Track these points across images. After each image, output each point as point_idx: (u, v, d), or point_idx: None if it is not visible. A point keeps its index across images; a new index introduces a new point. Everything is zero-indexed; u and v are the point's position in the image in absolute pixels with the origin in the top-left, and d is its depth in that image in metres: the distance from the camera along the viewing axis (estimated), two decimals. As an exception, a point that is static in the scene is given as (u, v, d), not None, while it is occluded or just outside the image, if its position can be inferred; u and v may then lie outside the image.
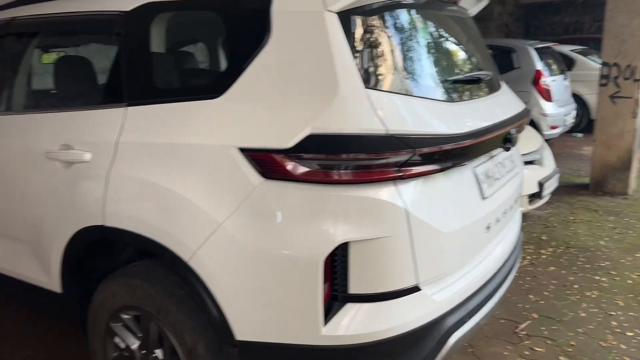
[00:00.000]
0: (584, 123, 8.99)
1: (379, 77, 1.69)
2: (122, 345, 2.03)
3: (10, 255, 2.39)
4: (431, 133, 1.67)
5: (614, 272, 3.65)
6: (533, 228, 4.54)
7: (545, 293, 3.35)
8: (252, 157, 1.62)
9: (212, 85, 1.98)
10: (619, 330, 2.91)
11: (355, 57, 1.63)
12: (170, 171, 1.77)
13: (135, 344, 2.00)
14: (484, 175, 1.99)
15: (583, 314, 3.09)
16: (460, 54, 2.20)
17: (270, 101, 1.66)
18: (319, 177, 1.57)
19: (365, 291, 1.62)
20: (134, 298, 1.90)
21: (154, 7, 1.96)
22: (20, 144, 2.26)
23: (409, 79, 1.80)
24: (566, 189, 5.66)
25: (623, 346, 2.76)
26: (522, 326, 2.95)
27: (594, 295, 3.32)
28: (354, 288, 1.62)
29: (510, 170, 2.28)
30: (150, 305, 1.85)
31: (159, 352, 1.92)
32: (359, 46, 1.67)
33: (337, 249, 1.58)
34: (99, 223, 1.92)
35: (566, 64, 8.46)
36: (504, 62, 7.10)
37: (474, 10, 2.49)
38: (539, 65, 7.23)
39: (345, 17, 1.65)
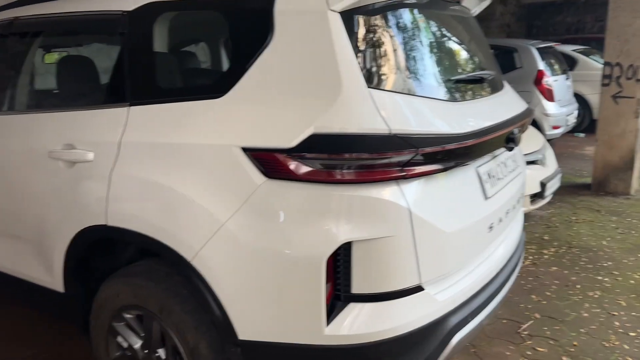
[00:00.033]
0: (586, 123, 8.98)
1: (382, 77, 1.69)
2: (125, 345, 2.03)
3: (13, 254, 2.40)
4: (434, 133, 1.67)
5: (616, 272, 3.65)
6: (535, 228, 4.53)
7: (548, 293, 3.35)
8: (254, 157, 1.62)
9: (215, 85, 1.98)
10: (621, 330, 2.91)
11: (358, 57, 1.63)
12: (173, 171, 1.77)
13: (137, 344, 2.00)
14: (487, 175, 1.99)
15: (585, 314, 3.08)
16: (463, 54, 2.19)
17: (273, 101, 1.66)
18: (322, 177, 1.57)
19: (368, 291, 1.62)
20: (137, 297, 1.91)
21: (157, 7, 1.96)
22: (23, 144, 2.26)
23: (412, 78, 1.80)
24: (568, 189, 5.65)
25: (626, 346, 2.75)
26: (525, 326, 2.95)
27: (596, 296, 3.31)
28: (356, 288, 1.61)
29: (513, 170, 2.27)
30: (153, 305, 1.85)
31: (161, 352, 1.93)
32: (362, 46, 1.67)
33: (339, 248, 1.58)
34: (102, 222, 1.92)
35: (568, 64, 8.45)
36: (506, 62, 7.09)
37: (476, 9, 2.49)
38: (541, 65, 7.23)
39: (348, 17, 1.65)
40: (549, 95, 7.18)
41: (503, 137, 2.00)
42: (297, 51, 1.66)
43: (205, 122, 1.75)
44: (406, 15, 1.88)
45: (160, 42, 2.05)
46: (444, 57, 2.03)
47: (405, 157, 1.57)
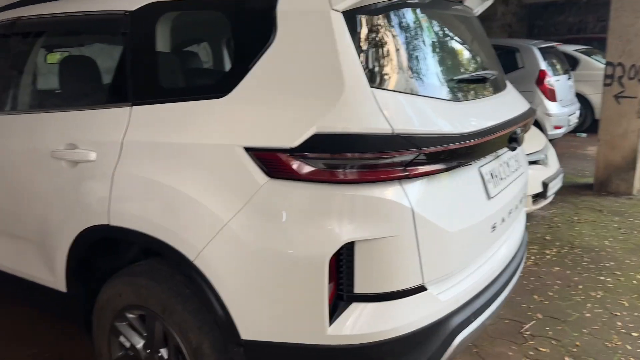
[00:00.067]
0: (588, 123, 8.98)
1: (385, 77, 1.69)
2: (127, 345, 2.03)
3: (16, 254, 2.40)
4: (437, 132, 1.67)
5: (618, 273, 3.64)
6: (537, 228, 4.53)
7: (550, 293, 3.35)
8: (257, 157, 1.62)
9: (218, 84, 1.98)
10: (624, 330, 2.90)
11: (360, 57, 1.63)
12: (176, 170, 1.77)
13: (140, 343, 2.00)
14: (490, 175, 1.99)
15: (588, 315, 3.08)
16: (466, 53, 2.19)
17: (275, 100, 1.66)
18: (325, 177, 1.57)
19: (370, 291, 1.62)
20: (139, 297, 1.91)
21: (159, 7, 1.96)
22: (26, 144, 2.26)
23: (415, 78, 1.80)
24: (570, 189, 5.65)
25: (628, 347, 2.75)
26: (527, 326, 2.95)
27: (598, 296, 3.31)
28: (359, 288, 1.61)
29: (516, 170, 2.27)
30: (156, 305, 1.85)
31: (164, 352, 1.93)
32: (364, 45, 1.66)
33: (342, 248, 1.58)
34: (105, 222, 1.92)
35: (570, 64, 8.44)
36: (508, 62, 7.09)
37: (479, 9, 2.48)
38: (543, 65, 7.22)
39: (351, 17, 1.64)
40: (550, 95, 7.18)
41: (506, 136, 2.00)
42: (299, 51, 1.66)
43: (208, 122, 1.75)
44: (409, 15, 1.87)
45: (162, 42, 2.05)
46: (447, 57, 2.03)
47: (408, 156, 1.57)
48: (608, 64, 5.42)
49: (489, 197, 1.95)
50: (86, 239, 2.03)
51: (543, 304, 3.21)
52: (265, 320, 1.66)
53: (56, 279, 2.19)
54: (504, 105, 2.17)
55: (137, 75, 1.98)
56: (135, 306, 1.95)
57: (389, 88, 1.67)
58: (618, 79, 5.36)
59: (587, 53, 9.32)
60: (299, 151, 1.56)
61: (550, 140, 5.03)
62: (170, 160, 1.78)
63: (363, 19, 1.68)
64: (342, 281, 1.62)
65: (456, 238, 1.76)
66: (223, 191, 1.67)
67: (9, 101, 2.53)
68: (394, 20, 1.79)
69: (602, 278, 3.56)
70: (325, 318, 1.60)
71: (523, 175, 2.38)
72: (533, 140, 4.16)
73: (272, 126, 1.63)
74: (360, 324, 1.61)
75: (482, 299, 1.91)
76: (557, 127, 7.27)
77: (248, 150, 1.63)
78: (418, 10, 1.92)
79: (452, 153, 1.69)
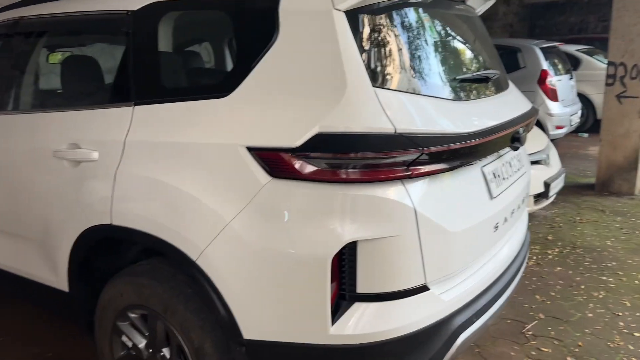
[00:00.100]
0: (590, 123, 8.98)
1: (387, 76, 1.69)
2: (129, 344, 2.03)
3: (19, 254, 2.40)
4: (439, 132, 1.66)
5: (620, 273, 3.64)
6: (539, 228, 4.52)
7: (552, 293, 3.34)
8: (259, 156, 1.62)
9: (220, 84, 1.97)
10: (626, 331, 2.90)
11: (363, 56, 1.63)
12: (178, 170, 1.77)
13: (142, 343, 2.00)
14: (492, 175, 1.99)
15: (590, 315, 3.07)
16: (468, 53, 2.19)
17: (277, 100, 1.66)
18: (327, 176, 1.57)
19: (373, 290, 1.62)
20: (141, 297, 1.91)
21: (161, 6, 1.96)
22: (28, 143, 2.27)
23: (417, 77, 1.79)
24: (572, 189, 5.64)
25: (630, 347, 2.74)
26: (529, 326, 2.94)
27: (600, 296, 3.30)
28: (361, 287, 1.61)
29: (518, 169, 2.27)
30: (158, 304, 1.85)
31: (165, 351, 1.93)
32: (367, 45, 1.66)
33: (344, 248, 1.57)
34: (107, 222, 1.92)
35: (572, 64, 8.43)
36: (510, 62, 7.08)
37: (481, 9, 2.48)
38: (545, 65, 7.22)
39: (353, 16, 1.64)
40: (552, 95, 7.17)
41: (508, 136, 2.00)
42: (302, 50, 1.66)
43: (210, 122, 1.75)
44: (411, 15, 1.87)
45: (164, 42, 2.06)
46: (449, 57, 2.03)
47: (410, 156, 1.57)
48: (610, 63, 5.42)
49: (491, 197, 1.95)
50: (88, 238, 2.03)
51: (545, 304, 3.21)
52: (268, 319, 1.66)
53: (58, 279, 2.19)
54: (506, 104, 2.17)
55: (139, 74, 1.98)
56: (137, 306, 1.95)
57: (391, 88, 1.67)
58: (620, 79, 5.35)
59: (589, 53, 9.31)
60: (302, 151, 1.56)
61: (552, 140, 5.02)
62: (173, 160, 1.78)
63: (365, 19, 1.68)
64: (345, 281, 1.62)
65: (459, 238, 1.76)
66: (225, 191, 1.67)
67: (11, 101, 2.53)
68: (397, 19, 1.79)
69: (604, 278, 3.56)
70: (328, 318, 1.59)
71: (525, 175, 2.37)
72: (535, 140, 4.16)
73: (274, 126, 1.63)
74: (363, 323, 1.61)
75: (484, 299, 1.91)
76: (558, 127, 7.26)
77: (250, 149, 1.63)
78: (420, 10, 1.92)
79: (455, 153, 1.68)
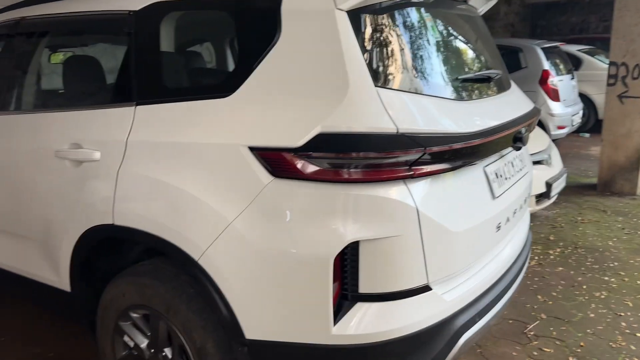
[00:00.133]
0: (591, 123, 8.97)
1: (389, 76, 1.69)
2: (131, 344, 2.03)
3: (20, 253, 2.40)
4: (441, 132, 1.66)
5: (622, 273, 3.63)
6: (541, 228, 4.52)
7: (554, 293, 3.34)
8: (261, 156, 1.62)
9: (222, 84, 1.97)
10: (628, 331, 2.89)
11: (365, 56, 1.63)
12: (180, 170, 1.77)
13: (144, 343, 2.00)
14: (495, 175, 1.99)
15: (592, 315, 3.07)
16: (470, 53, 2.19)
17: (279, 100, 1.66)
18: (329, 176, 1.57)
19: (375, 290, 1.61)
20: (143, 297, 1.91)
21: (163, 6, 1.96)
22: (30, 143, 2.27)
23: (419, 77, 1.79)
24: (574, 189, 5.63)
25: (633, 347, 2.74)
26: (531, 327, 2.94)
27: (602, 296, 3.30)
28: (364, 287, 1.61)
29: (520, 169, 2.27)
30: (160, 304, 1.85)
31: (167, 351, 1.93)
32: (369, 45, 1.66)
33: (347, 248, 1.57)
34: (109, 222, 1.92)
35: (573, 64, 8.43)
36: (511, 62, 7.08)
37: (483, 9, 2.48)
38: (546, 65, 7.21)
39: (355, 16, 1.64)
40: (554, 95, 7.16)
41: (510, 136, 2.00)
42: (304, 50, 1.66)
43: (212, 122, 1.75)
44: (413, 14, 1.87)
45: (166, 42, 2.05)
46: (451, 56, 2.02)
47: (412, 156, 1.57)
48: (612, 63, 5.41)
49: (493, 196, 1.95)
50: (90, 238, 2.03)
51: (547, 304, 3.20)
52: (270, 319, 1.66)
53: (60, 279, 2.19)
54: (508, 104, 2.17)
55: (141, 74, 1.98)
56: (139, 306, 1.95)
57: (393, 87, 1.67)
58: (622, 79, 5.35)
59: (590, 53, 9.30)
60: (304, 150, 1.56)
61: (554, 141, 5.01)
62: (175, 160, 1.78)
63: (368, 18, 1.67)
64: (347, 281, 1.61)
65: (461, 238, 1.76)
66: (227, 191, 1.67)
67: (13, 101, 2.53)
68: (399, 19, 1.79)
69: (606, 278, 3.55)
70: (330, 318, 1.59)
71: (527, 175, 2.37)
72: (536, 140, 4.16)
73: (276, 125, 1.63)
74: (365, 323, 1.61)
75: (486, 299, 1.91)
76: (560, 127, 7.25)
77: (252, 149, 1.63)
78: (422, 10, 1.92)
79: (457, 152, 1.68)
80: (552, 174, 4.20)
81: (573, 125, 7.65)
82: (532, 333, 2.88)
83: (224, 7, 1.90)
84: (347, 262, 1.60)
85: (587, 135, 8.91)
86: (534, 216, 4.58)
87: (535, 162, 3.99)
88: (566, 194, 5.16)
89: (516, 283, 2.16)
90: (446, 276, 1.74)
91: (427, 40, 1.88)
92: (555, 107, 7.16)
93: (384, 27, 1.73)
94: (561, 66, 7.72)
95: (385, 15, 1.74)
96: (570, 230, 4.49)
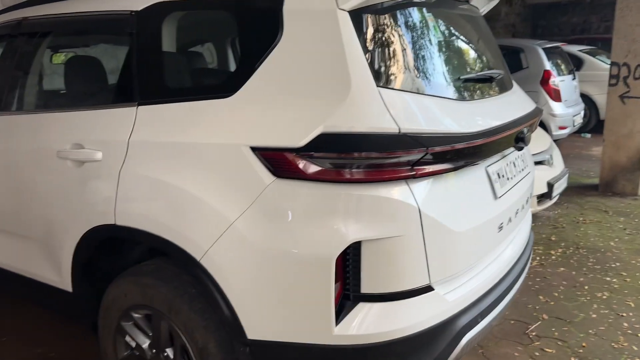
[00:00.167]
0: (593, 123, 8.96)
1: (391, 76, 1.69)
2: (133, 344, 2.03)
3: (22, 254, 2.40)
4: (443, 132, 1.66)
5: (624, 274, 3.62)
6: (542, 229, 4.51)
7: (555, 294, 3.33)
8: (263, 156, 1.62)
9: (224, 84, 1.98)
10: (630, 331, 2.89)
11: (367, 56, 1.62)
12: (182, 170, 1.77)
13: (146, 343, 2.00)
14: (497, 175, 1.98)
15: (594, 315, 3.06)
16: (472, 53, 2.19)
17: (281, 100, 1.66)
18: (331, 176, 1.57)
19: (377, 291, 1.61)
20: (145, 297, 1.91)
21: (165, 7, 1.96)
22: (32, 143, 2.27)
23: (421, 77, 1.79)
24: (575, 190, 5.62)
25: (635, 347, 2.73)
26: (533, 327, 2.93)
27: (604, 297, 3.29)
28: (366, 287, 1.61)
29: (522, 169, 2.26)
30: (162, 304, 1.85)
31: (169, 351, 1.93)
32: (371, 45, 1.66)
33: (349, 248, 1.57)
34: (111, 222, 1.92)
35: (574, 64, 8.42)
36: (513, 62, 7.06)
37: (485, 9, 2.48)
38: (548, 65, 7.20)
39: (357, 16, 1.64)
40: (555, 95, 7.16)
41: (512, 136, 1.99)
42: (306, 50, 1.66)
43: (214, 122, 1.75)
44: (415, 14, 1.87)
45: (168, 42, 2.05)
46: (453, 56, 2.02)
47: (414, 156, 1.56)
48: (613, 64, 5.40)
49: (495, 197, 1.95)
50: (92, 238, 2.03)
51: (549, 304, 3.20)
52: (272, 319, 1.66)
53: (62, 279, 2.20)
54: (510, 104, 2.17)
55: (143, 75, 1.98)
56: (141, 306, 1.95)
57: (395, 87, 1.67)
58: (623, 79, 5.34)
59: (592, 53, 9.30)
60: (306, 150, 1.56)
61: (555, 141, 5.00)
62: (177, 160, 1.78)
63: (369, 18, 1.67)
64: (349, 281, 1.61)
65: (463, 238, 1.75)
66: (229, 191, 1.67)
67: (15, 101, 2.53)
68: (401, 19, 1.79)
69: (607, 279, 3.55)
70: (332, 318, 1.59)
71: (530, 175, 2.37)
72: (538, 141, 4.15)
73: (278, 125, 1.63)
74: (367, 324, 1.61)
75: (488, 300, 1.90)
76: (561, 128, 7.24)
77: (254, 149, 1.63)
78: (424, 10, 1.92)
79: (459, 152, 1.68)
80: (553, 174, 4.19)
81: (574, 126, 7.64)
82: (533, 333, 2.88)
83: (225, 7, 1.90)
84: (349, 262, 1.60)
85: (588, 135, 8.90)
86: (535, 216, 4.57)
87: (537, 163, 3.98)
88: (568, 194, 5.15)
89: (518, 283, 2.16)
90: (448, 276, 1.74)
91: (429, 40, 1.88)
92: (556, 107, 7.15)
93: (385, 27, 1.73)
94: (562, 66, 7.71)
95: (387, 15, 1.73)
96: (571, 230, 4.49)
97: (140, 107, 1.94)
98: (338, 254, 1.56)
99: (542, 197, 4.12)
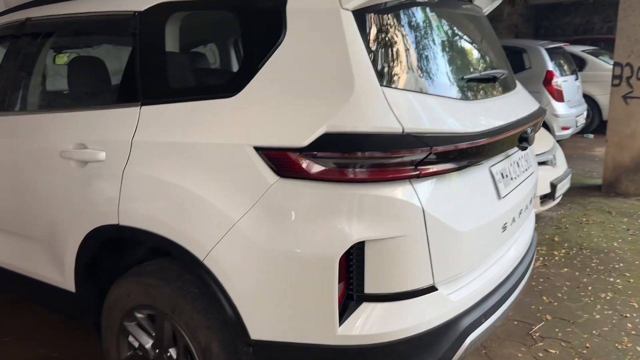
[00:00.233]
0: (595, 124, 8.94)
1: (395, 75, 1.68)
2: (136, 344, 2.03)
3: (25, 254, 2.40)
4: (447, 131, 1.66)
5: (628, 274, 3.61)
6: (545, 229, 4.50)
7: (559, 295, 3.32)
8: (267, 156, 1.62)
9: (227, 84, 1.98)
10: (634, 332, 2.88)
11: (370, 55, 1.62)
12: (185, 170, 1.76)
13: (149, 343, 2.00)
14: (500, 175, 1.98)
15: (597, 316, 3.05)
16: (475, 53, 2.18)
17: (285, 100, 1.66)
18: (335, 176, 1.56)
19: (381, 291, 1.61)
20: (148, 297, 1.90)
21: (168, 7, 1.96)
22: (35, 144, 2.27)
23: (424, 77, 1.79)
24: (578, 190, 5.61)
25: (639, 348, 2.72)
26: (536, 328, 2.93)
27: (608, 297, 3.28)
28: (369, 288, 1.60)
29: (526, 169, 2.26)
30: (165, 304, 1.85)
31: (172, 351, 1.93)
32: (374, 44, 1.66)
33: (352, 248, 1.57)
34: (114, 222, 1.92)
35: (577, 65, 8.41)
36: (515, 63, 7.06)
37: (488, 9, 2.47)
38: (550, 65, 7.20)
39: (361, 15, 1.64)
40: (558, 96, 7.15)
41: (516, 136, 1.99)
42: (309, 50, 1.65)
43: (217, 122, 1.75)
44: (418, 14, 1.87)
45: (171, 42, 2.06)
46: (456, 56, 2.02)
47: (418, 156, 1.56)
48: (616, 64, 5.39)
49: (499, 196, 1.94)
50: (95, 239, 2.03)
51: (552, 305, 3.19)
52: (275, 319, 1.65)
53: (65, 279, 2.20)
54: (514, 104, 2.16)
55: (146, 75, 1.98)
56: (144, 306, 1.95)
57: (399, 87, 1.67)
58: (626, 80, 5.33)
59: (594, 54, 9.28)
60: (309, 150, 1.55)
61: (558, 142, 5.00)
62: (180, 160, 1.78)
63: (373, 18, 1.67)
64: (352, 281, 1.61)
65: (467, 238, 1.75)
66: (232, 190, 1.67)
67: (19, 101, 2.53)
68: (404, 19, 1.79)
69: (611, 279, 3.54)
70: (335, 318, 1.59)
71: (533, 175, 2.36)
72: (541, 141, 4.14)
73: (281, 125, 1.63)
74: (370, 324, 1.60)
75: (492, 300, 1.90)
76: (564, 128, 7.24)
77: (258, 149, 1.62)
78: (428, 9, 1.91)
79: (463, 152, 1.67)
80: (556, 174, 4.18)
81: (577, 126, 7.63)
82: (537, 334, 2.87)
83: (228, 7, 1.90)
84: (352, 262, 1.59)
85: (591, 136, 8.89)
86: (538, 217, 4.56)
87: (540, 163, 3.97)
88: (571, 195, 5.14)
89: (522, 284, 2.15)
90: (452, 276, 1.73)
91: (433, 40, 1.88)
92: (559, 108, 7.14)
93: (389, 26, 1.73)
94: (565, 67, 7.70)
95: (390, 15, 1.73)
96: (575, 231, 4.48)
97: (143, 107, 1.94)
98: (341, 254, 1.55)
99: (545, 198, 4.11)
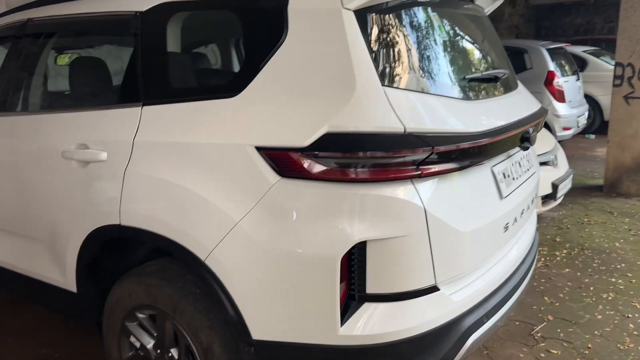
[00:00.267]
0: (597, 124, 8.94)
1: (396, 75, 1.68)
2: (137, 345, 2.03)
3: (26, 254, 2.40)
4: (449, 131, 1.66)
5: (629, 275, 3.61)
6: (547, 230, 4.50)
7: (561, 295, 3.32)
8: (268, 156, 1.62)
9: (229, 84, 1.98)
10: (636, 332, 2.87)
11: (372, 55, 1.62)
12: (187, 170, 1.76)
13: (150, 343, 2.00)
14: (502, 175, 1.98)
15: (599, 317, 3.05)
16: (477, 52, 2.18)
17: (286, 99, 1.66)
18: (336, 176, 1.56)
19: (382, 291, 1.61)
20: (150, 297, 1.90)
21: (170, 7, 1.96)
22: (36, 144, 2.27)
23: (426, 76, 1.79)
24: (580, 191, 5.61)
25: (641, 349, 2.72)
26: (538, 328, 2.92)
27: (610, 298, 3.28)
28: (371, 288, 1.60)
29: (527, 170, 2.26)
30: (166, 304, 1.85)
31: (174, 351, 1.92)
32: (376, 44, 1.66)
33: (354, 248, 1.57)
34: (115, 222, 1.92)
35: (578, 65, 8.40)
36: (516, 63, 7.05)
37: (489, 8, 2.47)
38: (552, 66, 7.20)
39: (362, 15, 1.64)
40: (559, 96, 7.15)
41: (518, 136, 1.99)
42: (311, 50, 1.65)
43: (219, 122, 1.75)
44: (420, 14, 1.87)
45: (173, 42, 2.06)
46: (458, 56, 2.02)
47: (420, 155, 1.56)
48: (617, 64, 5.38)
49: (501, 196, 1.94)
50: (97, 239, 2.03)
51: (554, 305, 3.18)
52: (277, 320, 1.65)
53: (66, 280, 2.20)
54: (515, 104, 2.16)
55: (147, 75, 1.98)
56: (146, 306, 1.95)
57: (400, 87, 1.66)
58: (628, 80, 5.32)
59: (596, 54, 9.28)
60: (310, 150, 1.55)
61: (559, 142, 4.99)
62: (181, 160, 1.78)
63: (374, 18, 1.67)
64: (354, 281, 1.61)
65: (469, 238, 1.75)
66: (234, 190, 1.67)
67: (21, 102, 2.54)
68: (405, 19, 1.79)
69: (613, 280, 3.53)
70: (337, 318, 1.59)
71: (535, 175, 2.36)
72: (542, 141, 4.13)
73: (283, 125, 1.63)
74: (372, 324, 1.60)
75: (494, 300, 1.90)
76: (565, 129, 7.23)
77: (259, 149, 1.62)
78: (429, 9, 1.91)
79: (465, 152, 1.67)
80: (558, 175, 4.18)
81: (578, 127, 7.62)
82: (539, 335, 2.86)
83: (230, 7, 1.90)
84: (354, 262, 1.59)
85: (592, 136, 8.88)
86: (540, 217, 4.56)
87: (541, 163, 3.97)
88: (572, 195, 5.14)
89: (524, 284, 2.15)
90: (454, 276, 1.73)
91: (434, 40, 1.88)
92: (560, 108, 7.14)
93: (390, 26, 1.73)
94: (566, 67, 7.70)
95: (392, 15, 1.73)
96: (576, 231, 4.47)
97: (145, 107, 1.94)
98: (343, 254, 1.55)
99: (546, 198, 4.11)
